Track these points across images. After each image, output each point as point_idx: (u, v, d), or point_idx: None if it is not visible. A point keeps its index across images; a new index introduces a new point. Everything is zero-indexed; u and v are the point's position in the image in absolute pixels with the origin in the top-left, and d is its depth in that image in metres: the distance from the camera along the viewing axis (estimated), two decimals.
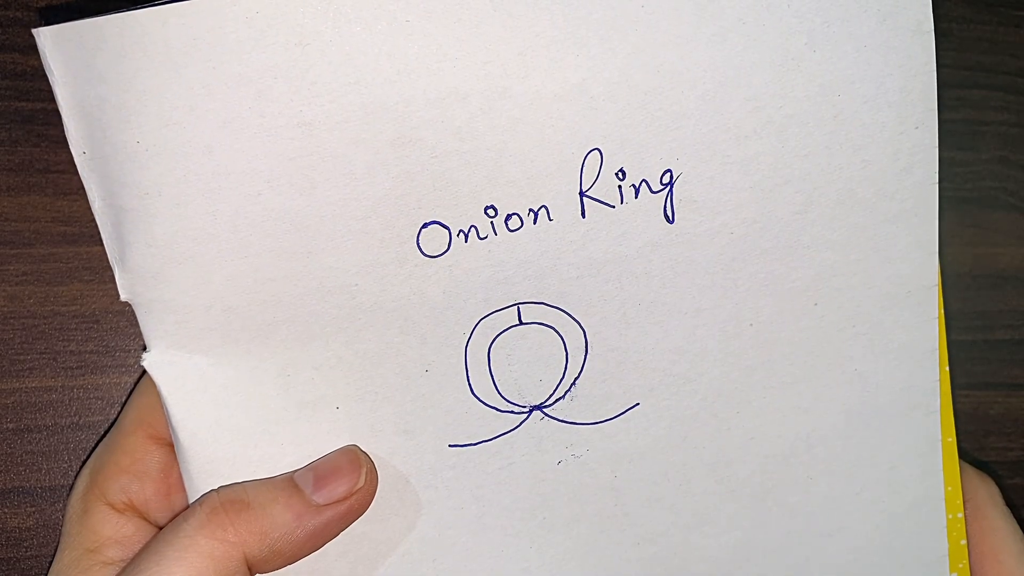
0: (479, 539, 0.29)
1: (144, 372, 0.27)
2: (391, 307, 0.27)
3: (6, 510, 0.33)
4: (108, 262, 0.33)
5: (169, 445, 0.29)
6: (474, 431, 0.29)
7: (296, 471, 0.28)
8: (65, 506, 0.30)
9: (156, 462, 0.29)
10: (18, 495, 0.33)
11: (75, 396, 0.33)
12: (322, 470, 0.27)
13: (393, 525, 0.29)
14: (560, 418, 0.29)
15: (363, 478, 0.27)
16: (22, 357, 0.33)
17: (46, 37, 0.24)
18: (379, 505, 0.28)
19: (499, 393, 0.29)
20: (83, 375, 0.33)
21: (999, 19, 0.40)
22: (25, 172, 0.33)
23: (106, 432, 0.33)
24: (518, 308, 0.28)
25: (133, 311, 0.33)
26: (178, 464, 0.28)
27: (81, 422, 0.34)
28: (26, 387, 0.33)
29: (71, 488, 0.30)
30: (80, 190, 0.32)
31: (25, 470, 0.33)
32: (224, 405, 0.27)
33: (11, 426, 0.33)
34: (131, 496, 0.29)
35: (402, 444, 0.29)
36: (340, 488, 0.27)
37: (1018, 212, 0.40)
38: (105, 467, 0.29)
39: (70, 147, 0.26)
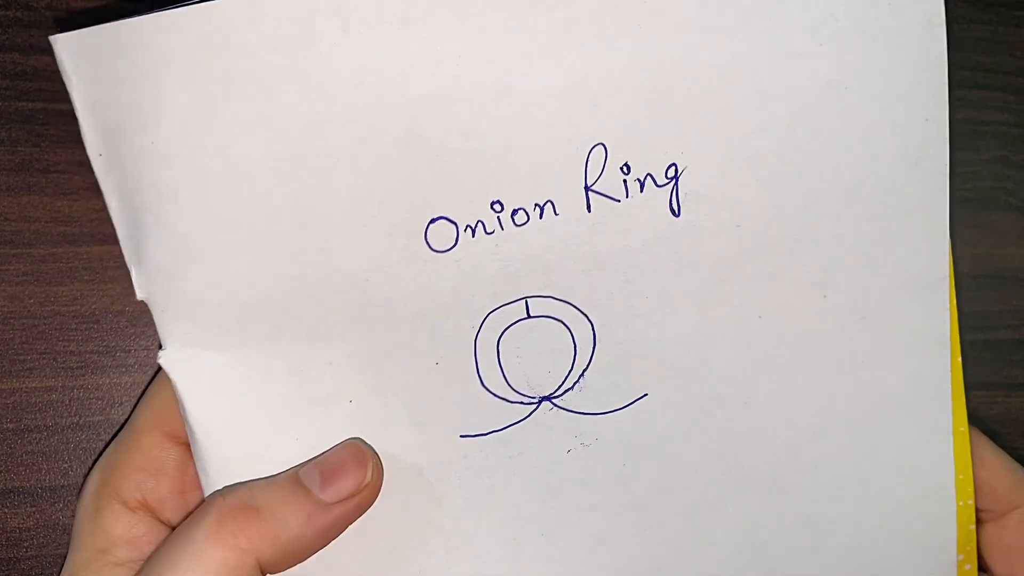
0: (490, 529, 0.30)
1: (157, 371, 0.27)
2: (401, 302, 0.28)
3: (6, 510, 0.33)
4: (108, 262, 0.33)
5: (185, 443, 0.28)
6: (485, 422, 0.29)
7: (300, 467, 0.27)
8: (66, 506, 0.30)
9: (172, 460, 0.29)
10: (18, 495, 0.33)
11: (75, 396, 0.33)
12: (327, 466, 0.27)
13: (406, 517, 0.29)
14: (569, 408, 0.29)
15: (370, 472, 0.27)
16: (22, 357, 0.33)
17: (62, 44, 0.25)
18: (392, 497, 0.29)
19: (509, 385, 0.29)
20: (83, 375, 0.33)
21: (999, 19, 0.39)
22: (25, 172, 0.33)
23: (115, 432, 0.33)
24: (526, 302, 0.29)
25: (133, 311, 0.33)
26: (194, 462, 0.28)
27: (81, 422, 0.33)
28: (26, 387, 0.33)
29: (80, 488, 0.30)
30: (80, 190, 0.33)
31: (25, 470, 0.33)
32: (239, 402, 0.27)
33: (11, 426, 0.33)
34: (146, 494, 0.29)
35: (415, 436, 0.29)
36: (348, 485, 0.27)
37: (1018, 212, 0.39)
38: (119, 465, 0.29)
39: (86, 149, 0.26)
